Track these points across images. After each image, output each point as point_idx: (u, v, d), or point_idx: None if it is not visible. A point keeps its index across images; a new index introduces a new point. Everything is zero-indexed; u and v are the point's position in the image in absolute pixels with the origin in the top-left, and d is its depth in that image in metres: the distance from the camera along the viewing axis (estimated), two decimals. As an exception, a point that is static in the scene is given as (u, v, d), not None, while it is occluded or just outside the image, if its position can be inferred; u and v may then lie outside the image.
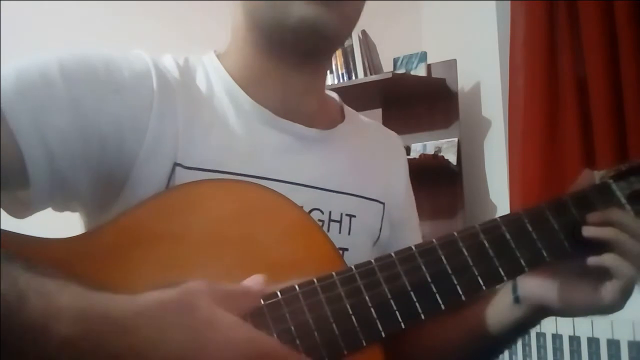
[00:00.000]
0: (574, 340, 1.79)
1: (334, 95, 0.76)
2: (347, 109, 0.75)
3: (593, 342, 1.75)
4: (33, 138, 0.50)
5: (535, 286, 0.62)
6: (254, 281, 0.47)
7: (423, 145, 2.26)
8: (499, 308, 0.64)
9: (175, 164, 0.56)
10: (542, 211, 0.60)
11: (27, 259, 0.41)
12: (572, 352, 1.79)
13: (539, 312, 0.62)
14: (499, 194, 2.16)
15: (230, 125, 0.61)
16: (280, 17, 0.58)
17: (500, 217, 0.58)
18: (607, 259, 0.56)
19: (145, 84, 0.57)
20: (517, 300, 0.63)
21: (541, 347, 1.86)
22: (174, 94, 0.58)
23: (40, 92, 0.51)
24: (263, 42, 0.62)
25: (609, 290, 0.56)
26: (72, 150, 0.52)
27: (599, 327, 1.73)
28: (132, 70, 0.57)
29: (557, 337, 1.83)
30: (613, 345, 1.70)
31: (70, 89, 0.52)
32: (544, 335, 1.86)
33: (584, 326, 1.76)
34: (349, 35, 0.64)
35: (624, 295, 0.56)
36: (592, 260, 0.57)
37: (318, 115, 0.68)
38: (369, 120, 0.80)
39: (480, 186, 2.26)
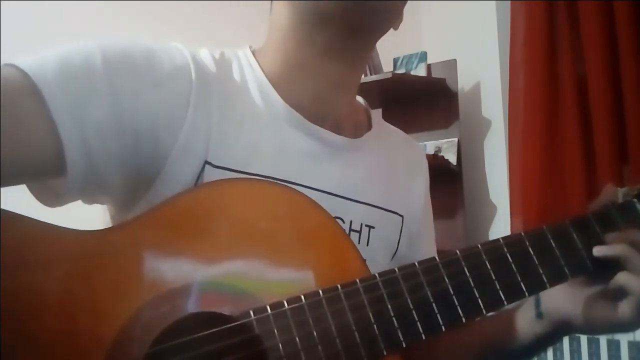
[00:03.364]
0: (574, 340, 1.79)
1: (362, 101, 0.76)
2: (374, 117, 0.75)
3: (593, 342, 1.75)
4: (72, 129, 0.50)
5: (558, 302, 0.61)
6: None
7: (423, 145, 2.25)
8: (521, 322, 0.64)
9: (206, 162, 0.56)
10: (565, 228, 0.60)
11: None
12: (572, 352, 1.79)
13: (560, 328, 0.62)
14: (499, 194, 2.16)
15: (260, 126, 0.61)
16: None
17: (524, 232, 0.58)
18: (619, 277, 0.56)
19: (184, 79, 0.57)
20: (539, 315, 0.62)
21: (541, 347, 1.86)
22: (211, 89, 0.58)
23: (82, 83, 0.51)
24: (308, 30, 0.61)
25: (625, 307, 0.56)
26: (109, 144, 0.52)
27: (599, 327, 1.73)
28: (172, 63, 0.57)
29: (557, 337, 1.83)
30: (613, 345, 1.71)
31: (111, 82, 0.52)
32: (544, 335, 1.86)
33: (584, 326, 1.76)
34: (398, 13, 0.63)
35: None
36: (612, 281, 0.57)
37: (347, 119, 0.68)
38: (394, 129, 0.80)
39: (480, 186, 2.26)
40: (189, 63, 0.58)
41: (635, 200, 0.63)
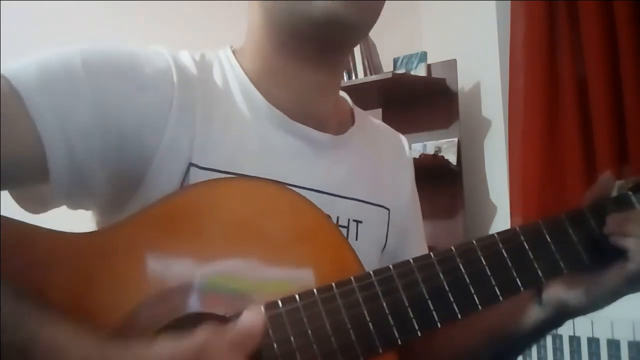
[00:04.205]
0: (574, 340, 1.79)
1: (345, 96, 0.76)
2: (357, 111, 0.75)
3: (593, 342, 1.75)
4: (55, 133, 0.50)
5: (557, 288, 0.62)
6: (255, 315, 0.45)
7: (423, 145, 2.26)
8: (522, 311, 0.64)
9: (190, 164, 0.56)
10: (561, 222, 0.59)
11: (37, 297, 0.40)
12: (572, 352, 1.79)
13: (561, 313, 0.62)
14: (499, 194, 2.16)
15: (244, 126, 0.61)
16: (302, 12, 0.58)
17: (519, 227, 0.58)
18: (628, 242, 0.57)
19: (166, 81, 0.57)
20: (540, 302, 0.63)
21: (541, 347, 1.86)
22: (193, 92, 0.58)
23: (63, 87, 0.51)
24: (281, 39, 0.62)
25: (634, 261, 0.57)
26: (92, 146, 0.52)
27: (599, 327, 1.73)
28: (153, 66, 0.57)
29: (557, 337, 1.83)
30: (613, 345, 1.71)
31: (93, 85, 0.52)
32: (544, 335, 1.86)
33: (584, 326, 1.76)
34: (370, 28, 0.63)
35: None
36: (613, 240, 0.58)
37: (330, 118, 0.68)
38: (378, 123, 0.80)
39: (480, 186, 2.26)
40: (170, 66, 0.58)
41: (630, 193, 0.62)
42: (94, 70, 0.53)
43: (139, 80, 0.55)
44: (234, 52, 0.66)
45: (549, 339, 1.84)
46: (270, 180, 0.58)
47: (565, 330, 1.80)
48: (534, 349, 1.88)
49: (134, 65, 0.56)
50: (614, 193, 0.63)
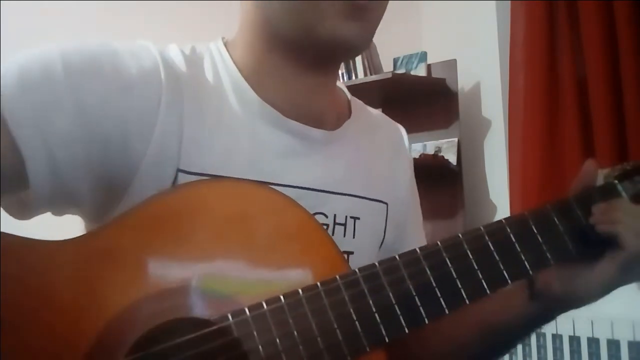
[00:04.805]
0: (574, 340, 1.79)
1: (342, 87, 0.74)
2: (354, 103, 0.73)
3: (593, 342, 1.75)
4: (34, 140, 0.48)
5: (550, 281, 0.61)
6: None
7: (423, 145, 2.26)
8: (514, 305, 0.64)
9: (179, 170, 0.54)
10: (547, 213, 0.59)
11: None
12: (572, 352, 1.79)
13: (554, 307, 0.62)
14: (499, 194, 2.16)
15: (236, 125, 0.59)
16: (308, 29, 0.56)
17: (505, 219, 0.57)
18: (618, 227, 0.57)
19: (153, 81, 0.54)
20: (532, 296, 0.62)
21: (541, 347, 1.86)
22: (181, 91, 0.56)
23: (43, 92, 0.49)
24: (278, 44, 0.60)
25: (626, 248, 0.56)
26: (74, 152, 0.50)
27: (599, 327, 1.73)
28: (139, 66, 0.54)
29: (557, 337, 1.83)
30: (613, 345, 1.71)
31: (74, 88, 0.50)
32: (544, 335, 1.86)
33: (584, 326, 1.76)
34: (366, 45, 0.62)
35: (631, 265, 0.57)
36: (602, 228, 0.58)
37: (326, 113, 0.66)
38: (376, 113, 0.78)
39: (480, 186, 2.26)
40: (158, 64, 0.55)
41: (616, 181, 0.62)
42: (76, 72, 0.51)
43: (124, 81, 0.53)
44: (225, 43, 0.64)
45: (549, 339, 1.84)
46: (257, 182, 0.56)
47: (565, 330, 1.80)
48: (534, 349, 1.88)
49: (119, 65, 0.53)
50: (600, 182, 0.63)
